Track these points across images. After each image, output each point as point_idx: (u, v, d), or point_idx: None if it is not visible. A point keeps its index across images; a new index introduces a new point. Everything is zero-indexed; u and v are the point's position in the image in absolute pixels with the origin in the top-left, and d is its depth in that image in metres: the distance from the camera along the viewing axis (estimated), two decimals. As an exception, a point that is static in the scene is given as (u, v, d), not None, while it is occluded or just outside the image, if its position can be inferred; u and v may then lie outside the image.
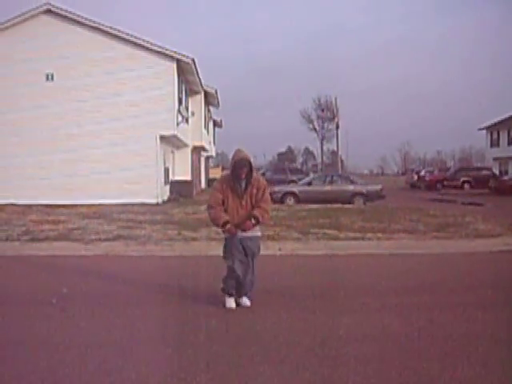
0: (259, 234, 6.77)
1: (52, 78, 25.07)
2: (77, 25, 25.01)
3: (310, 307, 6.54)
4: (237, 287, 6.59)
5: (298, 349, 5.04)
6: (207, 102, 37.21)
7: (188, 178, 30.68)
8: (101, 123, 24.83)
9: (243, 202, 6.44)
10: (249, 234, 6.49)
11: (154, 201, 23.84)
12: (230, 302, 6.57)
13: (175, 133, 25.05)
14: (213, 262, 9.89)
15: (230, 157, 6.65)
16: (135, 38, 24.76)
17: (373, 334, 5.51)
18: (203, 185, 42.94)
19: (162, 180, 25.64)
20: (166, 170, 27.38)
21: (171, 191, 27.10)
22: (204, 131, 35.17)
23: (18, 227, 14.29)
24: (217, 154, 66.77)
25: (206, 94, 34.55)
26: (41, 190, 23.52)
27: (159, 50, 24.65)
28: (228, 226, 6.38)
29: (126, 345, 5.19)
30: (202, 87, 32.21)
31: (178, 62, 25.04)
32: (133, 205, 22.40)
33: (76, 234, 13.16)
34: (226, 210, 6.45)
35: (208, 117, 40.63)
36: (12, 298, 7.16)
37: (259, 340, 5.31)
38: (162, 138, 24.93)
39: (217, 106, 40.72)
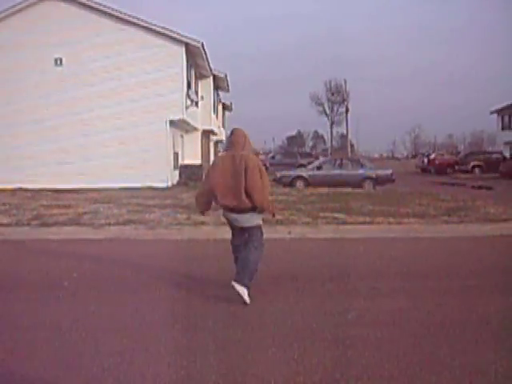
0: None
1: (61, 63, 25.06)
2: (84, 8, 24.94)
3: (320, 291, 6.53)
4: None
5: (307, 333, 5.03)
6: (216, 86, 37.09)
7: (197, 162, 30.66)
8: (110, 108, 24.83)
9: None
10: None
11: (163, 185, 23.88)
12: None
13: (184, 117, 25.01)
14: (221, 245, 9.90)
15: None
16: (144, 21, 24.66)
17: (382, 318, 5.49)
18: (212, 169, 42.87)
19: (172, 164, 25.64)
20: (176, 155, 27.37)
21: (180, 175, 27.11)
22: (213, 115, 35.09)
23: (29, 212, 14.35)
24: (226, 137, 66.68)
25: (216, 77, 34.43)
26: (50, 175, 23.59)
27: (168, 33, 24.54)
28: (201, 210, 6.76)
29: (136, 328, 5.20)
30: (211, 71, 32.09)
31: (187, 45, 24.95)
32: (142, 189, 22.44)
33: (86, 218, 13.19)
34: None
35: (217, 101, 40.52)
36: (23, 282, 7.19)
37: (268, 324, 5.30)
38: (171, 122, 24.90)
39: (226, 89, 40.58)
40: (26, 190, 21.99)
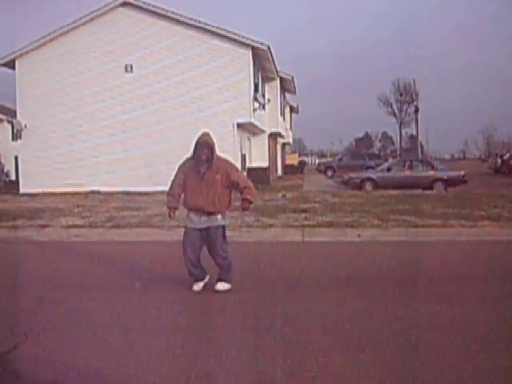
0: (222, 223, 6.66)
1: (131, 69, 25.68)
2: (153, 15, 25.48)
3: (390, 295, 6.39)
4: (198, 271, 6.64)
5: (377, 338, 4.93)
6: (283, 89, 37.12)
7: (264, 164, 30.74)
8: (178, 112, 25.25)
9: (203, 186, 6.43)
10: (210, 223, 6.53)
11: (231, 188, 24.02)
12: (196, 285, 6.69)
13: (251, 120, 25.14)
14: (290, 247, 9.90)
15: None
16: (211, 26, 24.94)
17: (455, 324, 5.32)
18: (280, 172, 42.98)
19: (239, 167, 25.80)
20: (243, 157, 27.54)
21: (247, 178, 27.21)
22: (280, 118, 35.14)
23: (101, 214, 14.76)
24: (293, 140, 66.57)
25: (282, 80, 34.46)
26: (120, 178, 24.21)
27: (235, 37, 24.73)
28: (169, 211, 6.85)
29: (207, 329, 5.23)
30: (278, 74, 32.14)
31: (254, 49, 25.06)
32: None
33: (156, 220, 13.45)
34: (186, 192, 6.56)
35: (284, 103, 40.55)
36: (97, 282, 7.37)
37: (338, 328, 5.23)
38: (239, 125, 25.08)
39: (293, 92, 40.57)
40: (99, 192, 22.64)
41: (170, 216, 6.89)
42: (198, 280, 6.71)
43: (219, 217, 6.56)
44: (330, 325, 5.33)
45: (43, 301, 6.42)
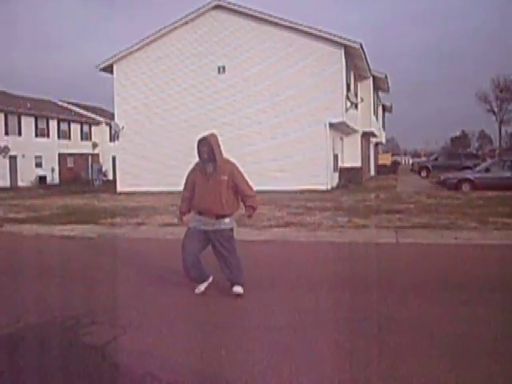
0: (230, 225, 6.52)
1: (223, 71, 26.09)
2: (244, 17, 25.80)
3: (484, 300, 6.07)
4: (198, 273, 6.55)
5: (473, 342, 4.72)
6: (376, 87, 36.51)
7: (357, 164, 30.38)
8: (270, 112, 25.41)
9: (210, 187, 6.32)
10: (215, 227, 6.38)
11: (323, 187, 23.95)
12: (197, 288, 6.62)
13: (344, 119, 24.90)
14: (383, 249, 9.70)
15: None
16: (303, 26, 24.92)
17: None
18: (372, 172, 42.35)
19: (331, 167, 25.64)
20: (335, 157, 27.34)
21: (340, 178, 27.03)
22: (373, 117, 34.59)
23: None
24: (386, 140, 65.36)
25: (375, 78, 33.91)
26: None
27: (327, 36, 24.58)
28: (179, 215, 6.86)
29: (300, 328, 5.19)
30: (371, 72, 31.65)
31: (346, 47, 24.80)
32: (302, 191, 22.66)
33: (246, 220, 13.54)
34: (195, 194, 6.51)
35: (377, 102, 39.88)
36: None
37: (434, 332, 5.05)
38: (331, 124, 24.91)
39: (386, 90, 39.83)
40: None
41: (179, 220, 6.91)
42: (198, 282, 6.62)
43: (227, 220, 6.45)
44: (425, 328, 5.16)
45: (140, 295, 6.62)
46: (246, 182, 6.52)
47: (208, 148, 6.29)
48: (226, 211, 6.37)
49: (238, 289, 6.46)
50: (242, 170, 6.59)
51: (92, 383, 4.02)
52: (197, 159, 6.55)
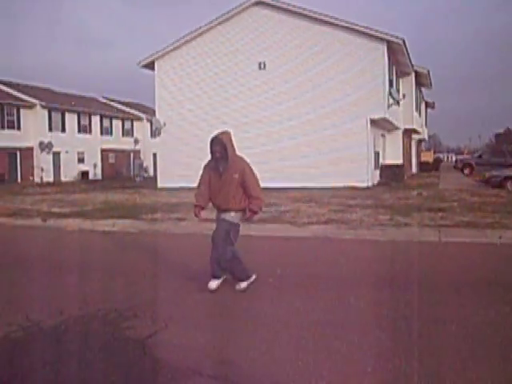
0: (233, 220, 6.54)
1: (264, 67, 26.07)
2: (285, 13, 25.73)
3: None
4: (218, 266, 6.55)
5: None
6: (418, 83, 35.96)
7: (399, 161, 30.00)
8: (310, 108, 25.29)
9: (222, 184, 6.47)
10: (221, 217, 6.60)
11: (364, 185, 23.73)
12: (212, 282, 6.55)
13: (386, 116, 24.61)
14: (426, 248, 9.54)
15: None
16: (344, 21, 24.71)
17: None
18: (414, 169, 41.79)
19: (373, 164, 25.37)
20: (376, 154, 27.04)
21: (381, 175, 26.74)
22: (415, 113, 34.08)
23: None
24: (429, 136, 64.40)
25: (418, 74, 33.38)
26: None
27: (368, 32, 24.31)
28: (195, 209, 6.82)
29: (338, 325, 5.14)
30: (413, 68, 31.17)
31: (388, 43, 24.47)
32: (343, 189, 22.49)
33: (288, 216, 13.52)
34: (210, 190, 6.65)
35: (420, 98, 39.30)
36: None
37: (476, 334, 4.92)
38: (372, 121, 24.65)
39: (429, 86, 39.20)
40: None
41: (195, 215, 6.90)
42: (215, 277, 6.58)
43: (232, 213, 6.51)
44: (469, 329, 5.04)
45: (181, 290, 6.65)
46: (255, 182, 6.55)
47: (221, 147, 6.40)
48: (231, 206, 6.48)
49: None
50: (254, 169, 6.63)
51: (134, 376, 4.04)
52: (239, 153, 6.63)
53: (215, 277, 6.57)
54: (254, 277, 6.72)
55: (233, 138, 6.56)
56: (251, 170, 6.56)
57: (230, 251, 6.52)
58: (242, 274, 6.60)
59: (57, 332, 5.10)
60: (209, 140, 6.55)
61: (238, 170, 6.43)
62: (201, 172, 6.88)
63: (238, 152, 6.61)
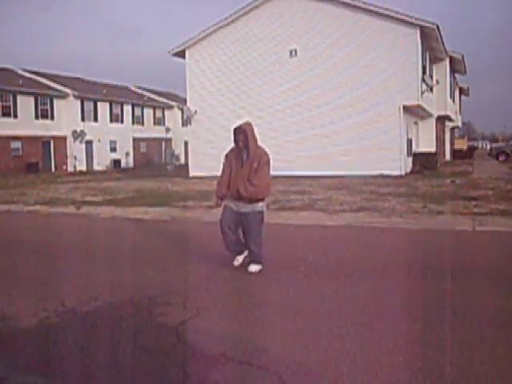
0: (260, 209, 6.83)
1: (295, 54, 25.92)
2: (316, 0, 25.44)
3: None
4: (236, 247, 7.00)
5: None
6: (453, 69, 35.35)
7: (432, 149, 29.60)
8: (343, 95, 25.08)
9: (242, 173, 6.64)
10: (247, 209, 6.74)
11: (397, 173, 23.48)
12: (236, 260, 7.06)
13: (419, 103, 24.27)
14: (460, 236, 9.39)
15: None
16: (376, 7, 24.38)
17: None
18: (448, 156, 41.21)
19: (405, 152, 25.07)
20: (409, 142, 26.71)
21: (414, 163, 26.42)
22: (449, 100, 33.53)
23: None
24: (463, 124, 63.38)
25: (452, 60, 32.80)
26: (286, 162, 24.54)
27: (401, 17, 23.95)
28: (216, 200, 7.06)
29: (367, 315, 5.09)
30: (447, 54, 30.64)
31: (422, 28, 24.07)
32: (375, 176, 22.32)
33: (320, 204, 13.46)
34: (230, 179, 6.78)
35: (453, 85, 38.64)
36: (274, 264, 7.47)
37: (491, 322, 4.83)
38: (405, 108, 24.33)
39: (463, 72, 38.51)
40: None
41: (216, 205, 7.12)
42: (237, 254, 7.04)
43: (261, 203, 6.79)
44: (503, 320, 4.94)
45: (213, 278, 6.67)
46: (265, 172, 6.72)
47: (243, 136, 6.61)
48: (254, 195, 6.65)
49: (254, 267, 6.82)
50: (271, 160, 6.85)
51: (166, 362, 4.06)
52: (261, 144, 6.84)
53: (237, 254, 7.06)
54: (246, 252, 7.07)
55: (255, 129, 6.75)
56: (268, 161, 6.79)
57: (239, 234, 6.96)
58: (258, 257, 6.88)
59: (91, 318, 5.16)
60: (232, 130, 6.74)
61: (256, 159, 6.64)
62: (223, 160, 7.00)
63: (259, 143, 6.82)
